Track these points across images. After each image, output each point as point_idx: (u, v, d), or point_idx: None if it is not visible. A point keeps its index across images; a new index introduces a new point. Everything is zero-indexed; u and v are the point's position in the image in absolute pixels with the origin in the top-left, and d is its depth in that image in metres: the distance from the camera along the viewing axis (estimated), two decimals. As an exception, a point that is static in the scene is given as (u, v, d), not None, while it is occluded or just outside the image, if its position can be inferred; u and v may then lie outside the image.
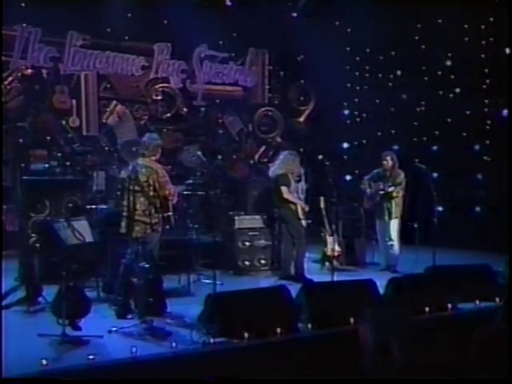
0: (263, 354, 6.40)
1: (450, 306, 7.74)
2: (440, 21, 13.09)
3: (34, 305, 7.74)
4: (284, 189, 9.40)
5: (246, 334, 6.44)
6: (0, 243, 8.44)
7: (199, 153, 9.86)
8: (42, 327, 6.74)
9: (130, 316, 7.25)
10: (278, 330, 6.64)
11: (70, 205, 10.22)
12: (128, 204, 7.32)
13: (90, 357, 5.80)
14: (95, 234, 8.62)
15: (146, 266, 7.04)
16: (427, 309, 7.55)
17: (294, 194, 9.51)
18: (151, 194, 7.42)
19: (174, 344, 6.26)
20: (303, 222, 9.51)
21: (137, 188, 7.37)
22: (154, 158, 7.71)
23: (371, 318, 5.07)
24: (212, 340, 6.36)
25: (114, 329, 6.85)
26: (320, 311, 7.08)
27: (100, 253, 8.56)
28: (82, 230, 8.39)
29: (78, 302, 6.72)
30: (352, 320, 6.86)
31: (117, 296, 7.58)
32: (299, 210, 9.49)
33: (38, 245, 8.66)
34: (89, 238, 8.43)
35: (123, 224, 7.45)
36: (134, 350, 5.99)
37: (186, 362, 6.09)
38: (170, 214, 7.66)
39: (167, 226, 7.75)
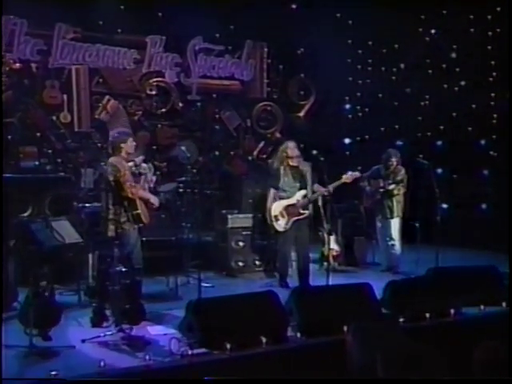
0: (246, 367, 5.75)
1: (452, 311, 7.05)
2: (444, 12, 12.61)
3: (8, 311, 7.12)
4: (269, 189, 8.72)
5: (227, 345, 5.79)
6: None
7: (183, 148, 9.25)
8: (12, 336, 6.12)
9: (105, 324, 6.62)
10: (264, 339, 5.98)
11: (54, 204, 9.60)
12: (103, 204, 7.13)
13: (53, 372, 5.17)
14: (77, 234, 8.00)
15: (123, 269, 6.44)
16: (428, 315, 6.89)
17: (279, 193, 8.60)
18: (118, 192, 7.06)
19: (147, 357, 5.62)
20: (275, 224, 8.57)
21: (108, 188, 7.03)
22: (122, 154, 7.37)
23: (358, 332, 4.45)
24: (190, 352, 5.71)
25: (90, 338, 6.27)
26: (311, 318, 6.44)
27: (81, 254, 7.95)
28: (62, 230, 7.82)
29: (47, 310, 6.10)
30: (346, 328, 6.21)
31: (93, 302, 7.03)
32: (272, 208, 8.58)
33: (14, 247, 8.04)
34: (69, 239, 7.84)
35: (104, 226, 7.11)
36: (101, 364, 5.36)
37: (160, 376, 5.45)
38: (138, 212, 7.17)
39: (139, 225, 7.31)
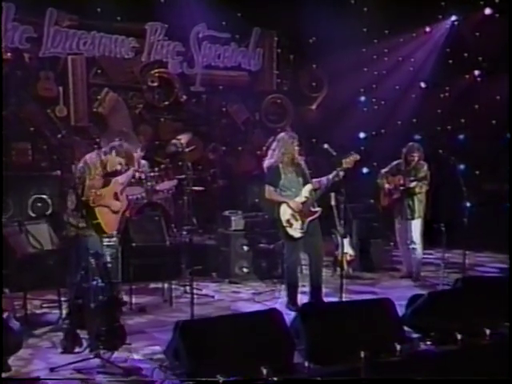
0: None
1: (488, 331, 5.81)
2: (466, -4, 11.55)
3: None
4: (267, 188, 7.27)
5: (220, 378, 4.61)
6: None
7: (174, 141, 8.13)
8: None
9: (78, 349, 5.45)
10: (265, 370, 4.79)
11: (38, 204, 8.50)
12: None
13: None
14: (58, 239, 6.86)
15: (100, 284, 5.27)
16: (459, 336, 5.66)
17: (281, 192, 7.21)
18: (79, 196, 6.11)
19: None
20: (289, 230, 7.10)
21: (73, 184, 6.20)
22: (103, 149, 6.44)
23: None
24: (174, 386, 4.55)
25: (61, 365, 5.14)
26: (321, 342, 5.24)
27: (62, 262, 6.79)
28: (41, 235, 6.68)
29: (4, 335, 4.93)
30: (363, 354, 5.03)
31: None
32: (281, 211, 7.11)
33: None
34: (48, 246, 6.70)
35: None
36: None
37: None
38: (97, 221, 6.13)
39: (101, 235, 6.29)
